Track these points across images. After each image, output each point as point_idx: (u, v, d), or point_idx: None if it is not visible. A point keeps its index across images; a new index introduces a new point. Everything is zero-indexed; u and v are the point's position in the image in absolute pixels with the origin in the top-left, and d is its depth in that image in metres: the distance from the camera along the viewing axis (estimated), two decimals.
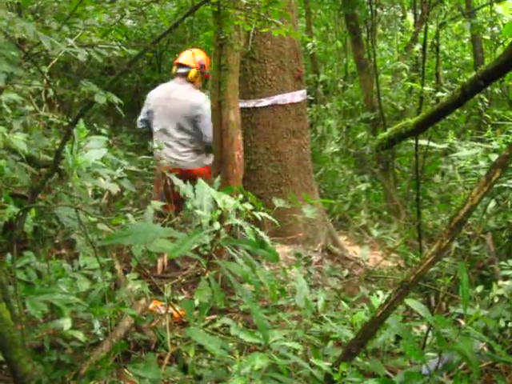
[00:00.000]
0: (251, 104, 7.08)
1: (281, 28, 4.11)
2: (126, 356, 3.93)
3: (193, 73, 6.95)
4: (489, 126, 6.65)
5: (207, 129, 6.63)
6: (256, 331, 3.16)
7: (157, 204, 5.10)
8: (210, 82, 6.27)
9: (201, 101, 6.86)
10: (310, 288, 4.89)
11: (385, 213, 8.99)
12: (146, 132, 7.56)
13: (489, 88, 9.56)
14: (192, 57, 6.96)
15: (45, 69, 4.20)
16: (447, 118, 8.90)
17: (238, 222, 3.21)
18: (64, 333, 3.45)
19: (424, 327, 4.37)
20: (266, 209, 3.90)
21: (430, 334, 3.60)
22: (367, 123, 10.81)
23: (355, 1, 10.42)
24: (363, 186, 9.11)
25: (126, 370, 3.63)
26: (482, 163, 5.01)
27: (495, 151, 4.98)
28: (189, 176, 5.91)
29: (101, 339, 3.79)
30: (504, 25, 10.13)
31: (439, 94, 7.51)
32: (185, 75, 6.99)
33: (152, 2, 4.37)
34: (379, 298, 4.02)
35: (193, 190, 3.30)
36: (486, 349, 3.65)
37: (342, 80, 12.04)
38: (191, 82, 6.99)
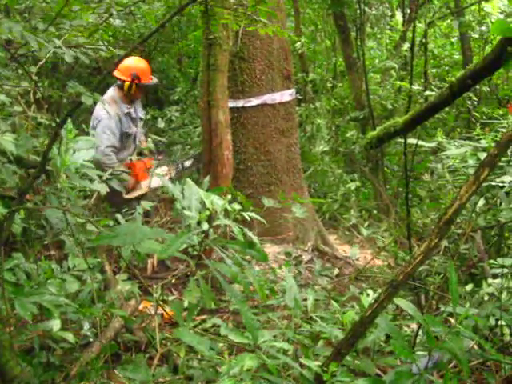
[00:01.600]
0: (240, 104, 7.07)
1: (267, 27, 4.10)
2: (115, 357, 3.93)
3: (126, 85, 6.65)
4: (477, 124, 6.68)
5: (97, 141, 6.30)
6: (246, 331, 3.16)
7: (146, 204, 5.09)
8: (199, 81, 6.23)
9: (99, 114, 6.55)
10: (300, 287, 4.89)
11: (374, 211, 9.01)
12: None
13: (477, 86, 9.60)
14: (128, 66, 6.64)
15: (33, 69, 4.19)
16: (436, 116, 8.93)
17: (227, 222, 3.20)
18: (53, 334, 3.43)
19: (414, 326, 4.38)
20: (255, 208, 3.90)
21: (420, 332, 3.61)
22: (356, 122, 10.83)
23: (344, 0, 10.43)
24: (353, 185, 9.12)
25: (115, 371, 3.62)
26: (471, 162, 5.02)
27: (484, 150, 4.99)
28: None
29: (90, 340, 3.78)
30: (492, 23, 10.16)
31: (428, 92, 7.51)
32: (121, 87, 6.74)
33: (139, 1, 4.36)
34: (369, 297, 4.02)
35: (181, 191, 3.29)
36: (476, 347, 3.66)
37: (331, 79, 12.04)
38: (126, 94, 6.74)
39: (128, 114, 6.79)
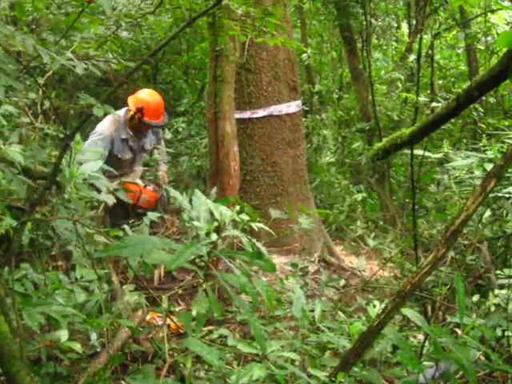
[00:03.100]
0: (247, 115, 7.09)
1: (275, 38, 4.12)
2: (123, 367, 3.92)
3: (129, 115, 6.66)
4: (484, 135, 6.67)
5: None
6: (253, 342, 3.16)
7: (153, 215, 5.10)
8: (206, 93, 6.24)
9: (97, 127, 6.66)
10: (307, 298, 4.89)
11: (381, 222, 9.00)
12: None
13: (483, 97, 9.60)
14: (140, 99, 6.68)
15: (40, 80, 4.20)
16: (442, 127, 8.93)
17: (236, 233, 3.21)
18: (61, 344, 3.44)
19: (421, 336, 4.37)
20: (262, 219, 3.90)
21: (426, 343, 3.60)
22: (362, 133, 10.84)
23: (350, 11, 10.47)
24: (359, 196, 9.11)
25: (123, 382, 3.62)
26: (478, 173, 5.01)
27: (490, 161, 4.98)
28: None
29: (98, 351, 3.79)
30: (498, 34, 10.17)
31: (434, 104, 7.53)
32: (126, 112, 6.76)
33: (147, 13, 4.38)
34: (376, 308, 4.02)
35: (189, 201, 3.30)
36: (482, 358, 3.65)
37: (337, 90, 12.06)
38: (128, 120, 6.74)
39: (125, 141, 6.78)
